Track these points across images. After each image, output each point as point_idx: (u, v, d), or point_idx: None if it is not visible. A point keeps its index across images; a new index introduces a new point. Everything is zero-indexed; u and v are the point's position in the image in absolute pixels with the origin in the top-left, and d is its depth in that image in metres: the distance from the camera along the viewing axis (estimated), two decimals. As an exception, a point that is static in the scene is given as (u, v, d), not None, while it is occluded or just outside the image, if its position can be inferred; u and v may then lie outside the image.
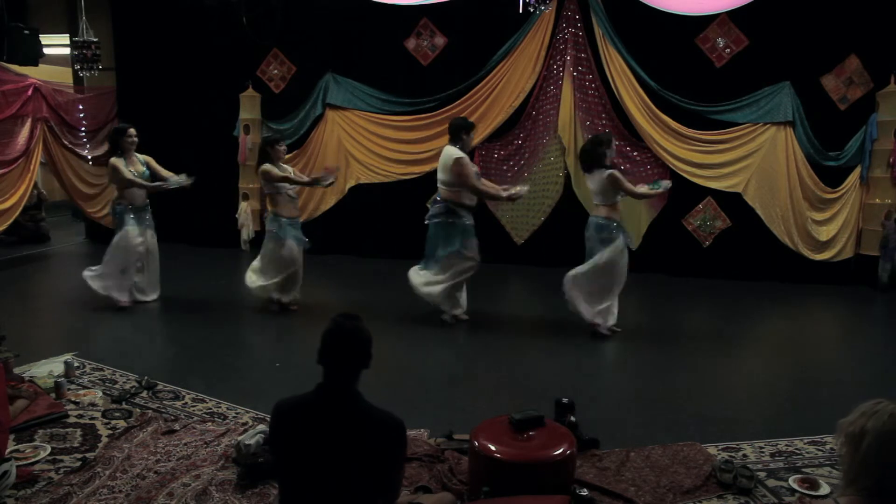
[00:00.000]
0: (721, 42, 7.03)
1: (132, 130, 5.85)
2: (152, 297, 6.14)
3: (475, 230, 5.47)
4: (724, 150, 7.15)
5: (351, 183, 8.13)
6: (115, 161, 5.74)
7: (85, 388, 4.22)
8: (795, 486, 3.11)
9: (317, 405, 2.12)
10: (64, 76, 8.99)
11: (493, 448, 2.87)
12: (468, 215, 5.42)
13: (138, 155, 5.95)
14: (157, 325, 5.70)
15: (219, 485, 3.08)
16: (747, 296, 6.70)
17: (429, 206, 7.87)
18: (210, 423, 3.73)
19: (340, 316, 2.19)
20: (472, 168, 5.37)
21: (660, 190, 5.26)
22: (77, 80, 8.66)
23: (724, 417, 3.94)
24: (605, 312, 5.26)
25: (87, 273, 5.90)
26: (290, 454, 2.12)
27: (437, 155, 7.70)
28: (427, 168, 7.83)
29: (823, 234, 7.10)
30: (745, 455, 3.43)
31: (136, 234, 5.89)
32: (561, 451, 2.88)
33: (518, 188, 5.36)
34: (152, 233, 6.08)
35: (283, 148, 5.83)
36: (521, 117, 7.51)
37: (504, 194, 5.36)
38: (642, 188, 5.26)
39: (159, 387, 4.22)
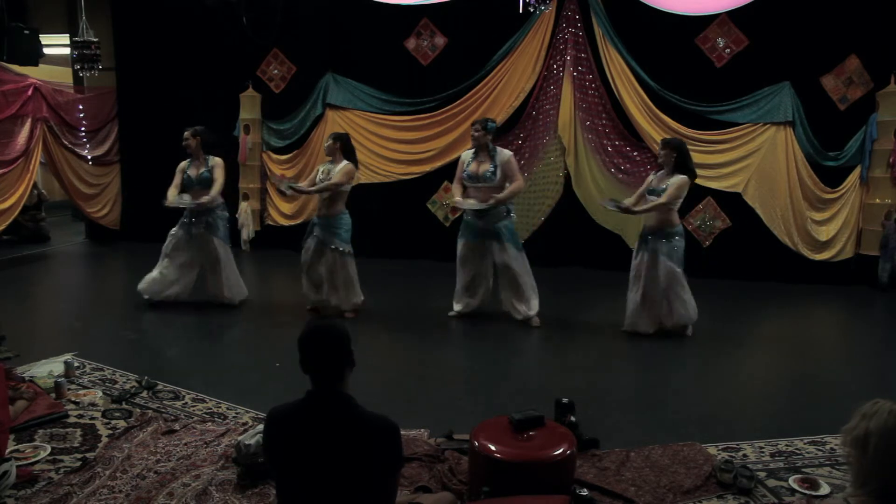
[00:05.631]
0: (721, 42, 7.03)
1: (185, 133, 5.81)
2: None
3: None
4: (723, 150, 7.15)
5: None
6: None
7: (85, 388, 4.21)
8: (795, 486, 3.11)
9: (308, 412, 2.10)
10: (64, 76, 8.99)
11: (493, 448, 2.87)
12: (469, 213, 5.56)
13: (211, 157, 5.90)
14: (158, 325, 5.70)
15: (219, 485, 3.08)
16: (747, 296, 6.70)
17: (429, 206, 7.95)
18: (210, 423, 3.73)
19: (312, 319, 2.17)
20: (458, 169, 5.53)
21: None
22: (77, 80, 8.66)
23: (724, 417, 3.95)
24: None
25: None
26: (285, 462, 2.11)
27: (438, 155, 7.82)
28: (427, 168, 7.84)
29: (823, 234, 7.10)
30: (745, 455, 3.43)
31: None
32: (561, 451, 2.88)
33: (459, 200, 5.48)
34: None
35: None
36: (521, 117, 7.50)
37: (483, 206, 5.35)
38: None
39: (159, 387, 4.22)
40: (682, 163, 5.14)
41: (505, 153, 5.36)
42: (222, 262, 5.93)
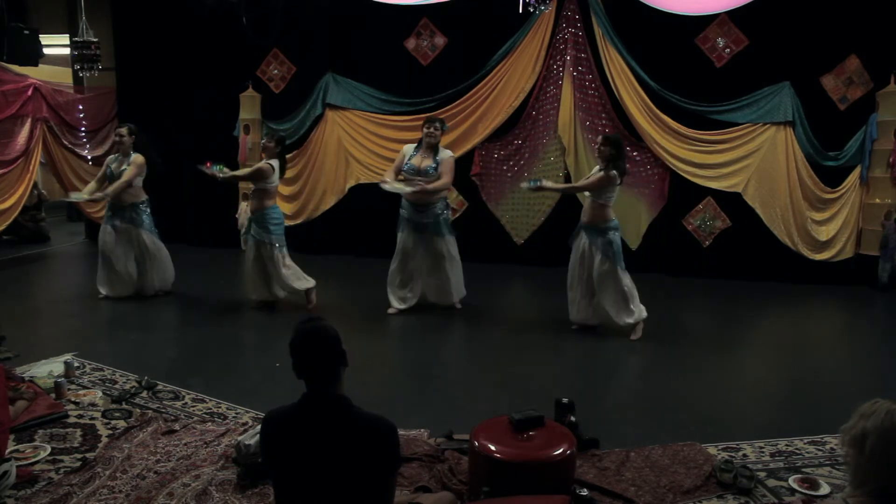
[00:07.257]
0: (721, 42, 7.02)
1: (121, 130, 6.12)
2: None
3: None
4: (723, 150, 7.15)
5: (351, 183, 8.13)
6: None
7: (85, 388, 4.22)
8: (795, 486, 3.11)
9: (304, 414, 2.09)
10: (64, 76, 8.99)
11: (493, 448, 2.87)
12: (406, 207, 5.73)
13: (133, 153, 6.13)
14: (158, 325, 5.70)
15: (219, 485, 3.08)
16: (747, 296, 6.70)
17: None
18: (210, 423, 3.73)
19: (300, 323, 2.14)
20: (398, 160, 5.71)
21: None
22: (77, 80, 8.66)
23: (724, 417, 3.95)
24: None
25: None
26: (283, 465, 2.11)
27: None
28: (427, 168, 7.83)
29: (823, 234, 7.10)
30: (745, 455, 3.43)
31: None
32: (561, 451, 2.88)
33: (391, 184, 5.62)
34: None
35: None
36: (521, 117, 7.50)
37: (408, 189, 5.57)
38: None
39: (159, 387, 4.22)
40: (614, 158, 5.10)
41: (446, 153, 5.68)
42: (151, 253, 6.21)
